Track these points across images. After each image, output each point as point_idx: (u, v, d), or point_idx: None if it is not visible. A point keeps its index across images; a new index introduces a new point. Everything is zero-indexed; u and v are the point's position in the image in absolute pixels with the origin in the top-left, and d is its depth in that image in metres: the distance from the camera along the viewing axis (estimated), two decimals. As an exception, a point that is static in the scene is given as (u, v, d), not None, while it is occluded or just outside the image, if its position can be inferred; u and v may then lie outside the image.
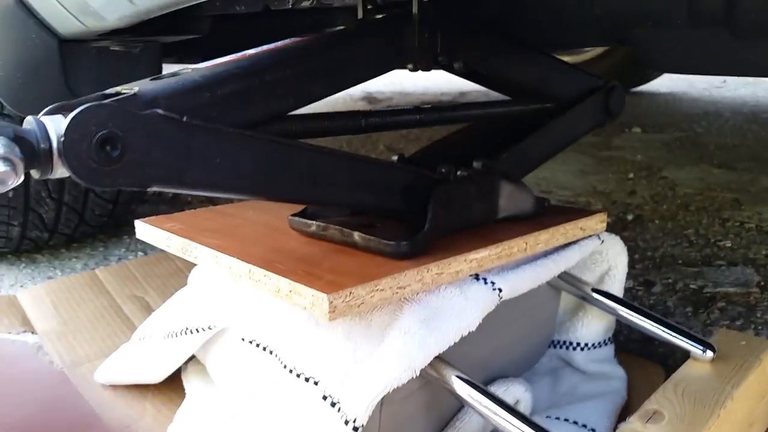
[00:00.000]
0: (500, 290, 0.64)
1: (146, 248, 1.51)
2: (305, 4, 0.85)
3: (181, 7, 0.73)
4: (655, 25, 0.65)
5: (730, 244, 1.36)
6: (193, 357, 0.83)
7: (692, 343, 0.73)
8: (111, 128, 0.46)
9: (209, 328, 0.72)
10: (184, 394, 0.84)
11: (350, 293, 0.55)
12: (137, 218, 0.85)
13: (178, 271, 1.19)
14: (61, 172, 0.47)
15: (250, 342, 0.69)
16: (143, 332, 0.84)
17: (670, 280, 1.20)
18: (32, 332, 1.01)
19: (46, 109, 0.50)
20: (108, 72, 1.09)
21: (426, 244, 0.64)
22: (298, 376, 0.62)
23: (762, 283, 1.17)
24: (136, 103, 0.48)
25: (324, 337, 0.62)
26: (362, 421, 0.55)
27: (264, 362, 0.67)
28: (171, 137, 0.49)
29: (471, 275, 0.65)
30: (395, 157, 0.80)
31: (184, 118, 0.50)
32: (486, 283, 0.64)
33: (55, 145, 0.46)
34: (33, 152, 0.45)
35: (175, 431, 0.75)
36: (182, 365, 0.85)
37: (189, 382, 0.83)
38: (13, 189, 1.13)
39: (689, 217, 1.54)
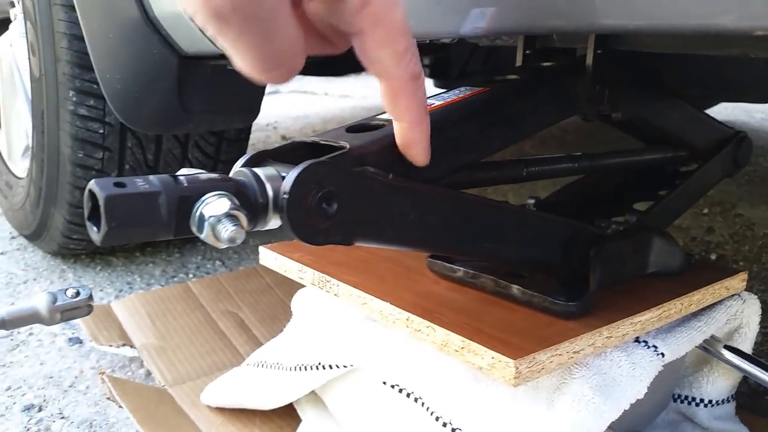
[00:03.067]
0: (663, 355, 0.62)
1: (223, 257, 1.50)
2: (444, 40, 0.83)
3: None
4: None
5: (822, 295, 1.33)
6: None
7: (841, 416, 0.71)
8: (329, 186, 0.45)
9: (344, 366, 0.71)
10: (294, 422, 0.83)
11: (533, 359, 0.53)
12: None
13: (269, 288, 1.18)
14: (271, 225, 0.46)
15: (392, 386, 0.67)
16: (261, 359, 0.82)
17: None
18: (131, 346, 1.01)
19: (247, 159, 0.49)
20: (218, 89, 1.08)
21: (593, 304, 0.62)
22: (453, 430, 0.61)
23: None
24: (347, 160, 0.48)
25: (485, 394, 0.60)
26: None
27: (409, 410, 0.65)
28: (376, 195, 0.48)
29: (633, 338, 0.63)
30: (531, 200, 0.79)
31: (390, 176, 0.49)
32: (648, 347, 0.63)
33: (271, 199, 0.45)
34: (251, 207, 0.44)
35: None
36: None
37: (304, 412, 0.82)
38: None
39: (773, 260, 1.51)
